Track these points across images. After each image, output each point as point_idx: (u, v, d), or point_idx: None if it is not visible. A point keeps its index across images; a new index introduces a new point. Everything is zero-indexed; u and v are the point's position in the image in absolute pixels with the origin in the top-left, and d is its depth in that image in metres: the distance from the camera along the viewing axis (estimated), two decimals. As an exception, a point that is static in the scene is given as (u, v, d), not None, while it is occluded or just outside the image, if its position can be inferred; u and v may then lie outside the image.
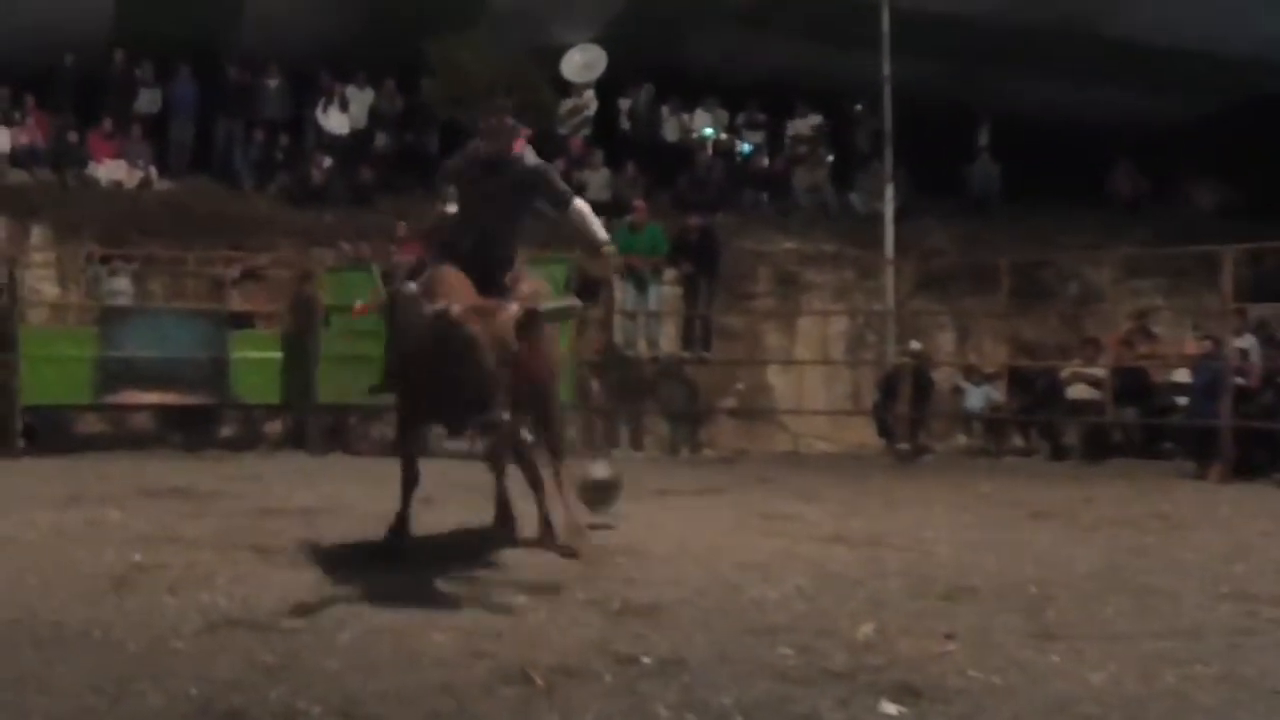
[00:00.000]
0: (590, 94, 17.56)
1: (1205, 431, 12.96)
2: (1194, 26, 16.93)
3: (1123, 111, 18.64)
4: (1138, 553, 8.34)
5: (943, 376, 15.52)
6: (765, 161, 18.18)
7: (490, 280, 6.74)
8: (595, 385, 14.84)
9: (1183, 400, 13.63)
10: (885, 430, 14.76)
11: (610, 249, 7.46)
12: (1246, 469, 12.43)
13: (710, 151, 17.85)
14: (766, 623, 6.16)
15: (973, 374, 15.37)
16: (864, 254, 16.02)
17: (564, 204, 7.10)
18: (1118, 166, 19.44)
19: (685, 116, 18.16)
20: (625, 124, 18.26)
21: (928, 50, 15.94)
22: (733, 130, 18.18)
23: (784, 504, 10.32)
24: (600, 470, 8.85)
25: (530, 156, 7.04)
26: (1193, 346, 14.35)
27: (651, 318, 15.07)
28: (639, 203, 15.24)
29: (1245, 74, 18.07)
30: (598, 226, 7.20)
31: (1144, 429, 14.09)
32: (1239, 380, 12.88)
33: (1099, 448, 14.08)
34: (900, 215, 15.52)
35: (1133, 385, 13.96)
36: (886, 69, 14.89)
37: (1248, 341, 13.47)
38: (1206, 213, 18.45)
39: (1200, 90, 18.36)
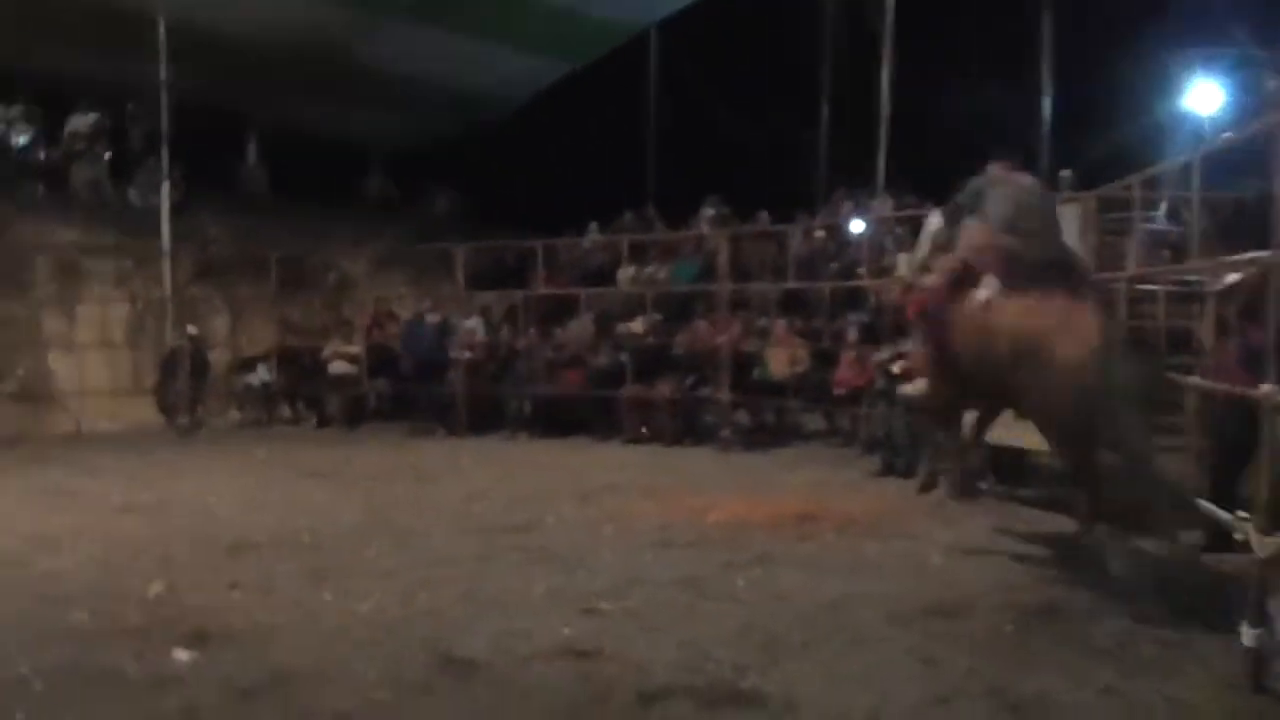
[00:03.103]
0: None
1: (446, 397, 13.79)
2: (436, 62, 17.89)
3: (376, 128, 19.27)
4: (395, 501, 8.76)
5: (218, 356, 15.22)
6: (42, 155, 16.72)
7: None
8: None
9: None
10: (166, 407, 14.22)
11: None
12: (478, 427, 13.40)
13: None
14: (60, 592, 5.83)
15: (243, 366, 15.22)
16: (142, 244, 15.26)
17: None
18: (371, 174, 20.04)
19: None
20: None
21: (201, 61, 15.50)
22: (7, 122, 16.52)
23: (71, 481, 9.70)
24: None
25: None
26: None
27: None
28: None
29: (474, 104, 19.41)
30: None
31: (393, 397, 14.67)
32: (468, 354, 13.81)
33: (357, 415, 14.50)
34: (177, 209, 14.99)
35: (383, 360, 14.50)
36: (164, 74, 14.32)
37: (474, 322, 14.46)
38: (443, 216, 19.53)
39: (438, 114, 19.43)
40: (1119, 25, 15.53)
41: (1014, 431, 8.13)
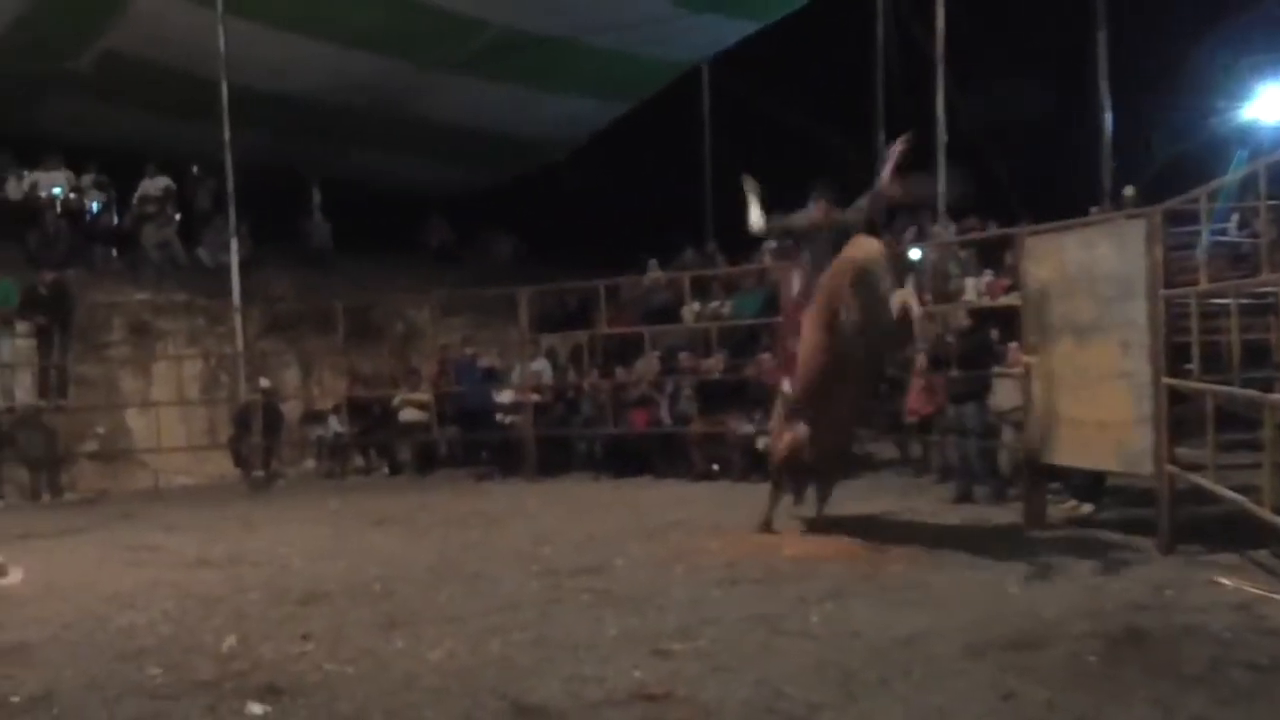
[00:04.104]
0: None
1: (513, 441, 13.81)
2: (491, 111, 18.13)
3: (434, 177, 19.50)
4: (465, 546, 8.76)
5: (290, 409, 15.40)
6: (114, 219, 17.14)
7: None
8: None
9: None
10: (241, 460, 14.39)
11: None
12: (546, 469, 13.39)
13: (59, 210, 16.55)
14: (135, 647, 5.87)
15: (315, 417, 15.38)
16: (213, 302, 15.55)
17: None
18: (430, 223, 20.24)
19: (29, 175, 16.70)
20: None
21: (261, 122, 15.83)
22: (80, 190, 16.96)
23: (148, 536, 9.82)
24: None
25: None
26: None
27: (5, 369, 13.71)
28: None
29: (530, 149, 19.60)
30: None
31: (465, 443, 14.72)
32: (535, 397, 13.84)
33: (428, 462, 14.57)
34: (245, 267, 15.23)
35: (452, 406, 14.57)
36: (227, 135, 14.60)
37: (540, 365, 14.49)
38: (504, 260, 19.66)
39: (495, 161, 19.64)
40: (1179, 35, 15.30)
41: (1090, 454, 7.96)
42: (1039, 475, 8.60)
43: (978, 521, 8.83)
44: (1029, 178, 16.26)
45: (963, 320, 10.61)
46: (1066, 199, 12.38)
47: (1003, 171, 16.41)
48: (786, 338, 8.84)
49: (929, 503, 9.89)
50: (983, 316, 10.29)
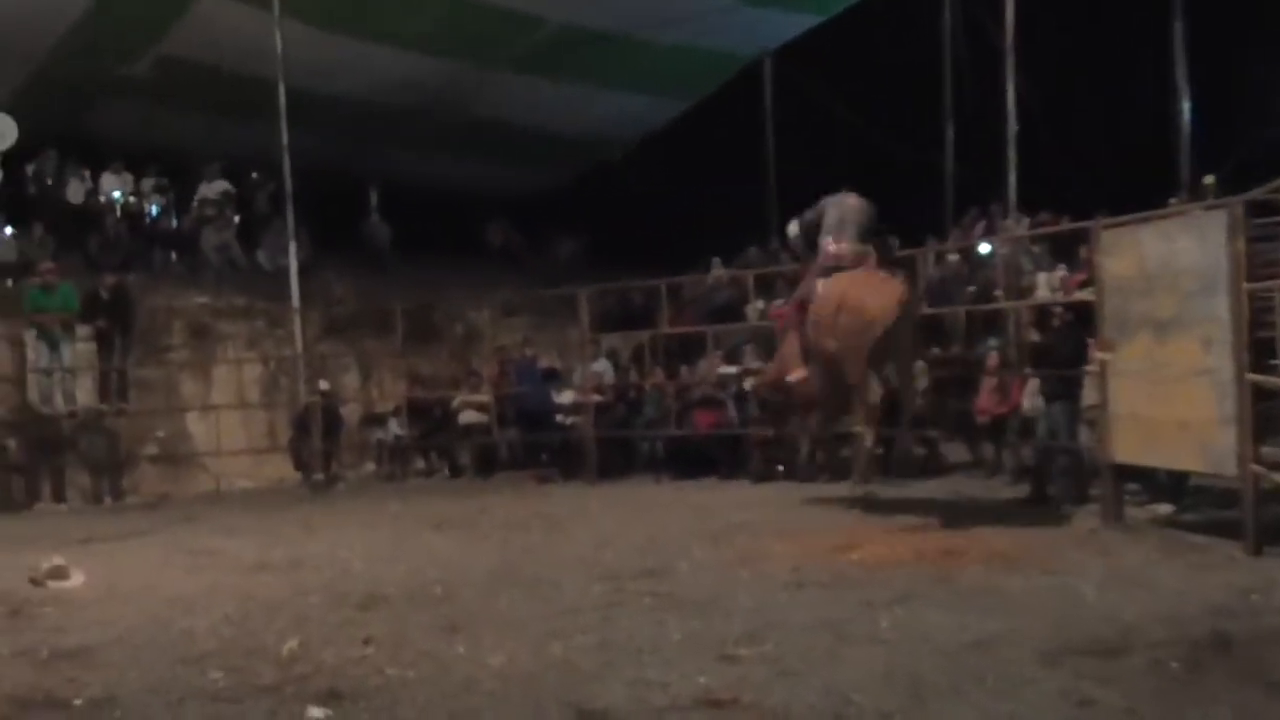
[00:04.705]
0: None
1: (574, 443, 13.84)
2: (550, 110, 18.20)
3: (494, 178, 19.60)
4: (526, 549, 8.78)
5: (350, 411, 15.55)
6: (174, 223, 17.43)
7: None
8: (12, 443, 13.59)
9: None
10: (301, 463, 14.55)
11: None
12: (607, 471, 13.40)
13: (119, 213, 16.87)
14: (196, 651, 5.95)
15: (375, 420, 15.52)
16: (272, 305, 15.75)
17: None
18: (490, 224, 20.34)
19: (90, 180, 17.05)
20: (31, 188, 16.88)
21: (319, 124, 16.01)
22: (140, 194, 17.26)
23: (209, 540, 9.94)
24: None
25: None
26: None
27: (66, 374, 13.98)
28: (48, 264, 14.09)
29: (590, 148, 19.64)
30: None
31: (525, 445, 14.77)
32: (596, 397, 13.85)
33: (489, 464, 14.63)
34: (304, 269, 15.40)
35: (512, 408, 14.62)
36: (285, 138, 14.75)
37: (602, 365, 14.50)
38: (564, 261, 19.71)
39: (555, 161, 19.71)
40: (1257, 18, 14.99)
41: (1171, 453, 7.82)
42: (1117, 475, 8.46)
43: (1053, 523, 8.70)
44: (1103, 169, 16.02)
45: (1056, 316, 10.42)
46: (1143, 190, 12.16)
47: (1075, 163, 16.18)
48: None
49: (1002, 504, 9.76)
50: (1076, 313, 10.11)
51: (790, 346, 9.82)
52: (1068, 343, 9.93)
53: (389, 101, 17.11)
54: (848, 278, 9.17)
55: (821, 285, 9.29)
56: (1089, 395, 9.21)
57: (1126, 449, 8.28)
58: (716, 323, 14.55)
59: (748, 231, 17.70)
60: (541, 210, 20.04)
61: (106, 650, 6.03)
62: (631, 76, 18.06)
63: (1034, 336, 10.65)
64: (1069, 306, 10.39)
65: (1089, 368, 9.38)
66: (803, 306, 9.60)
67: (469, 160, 18.98)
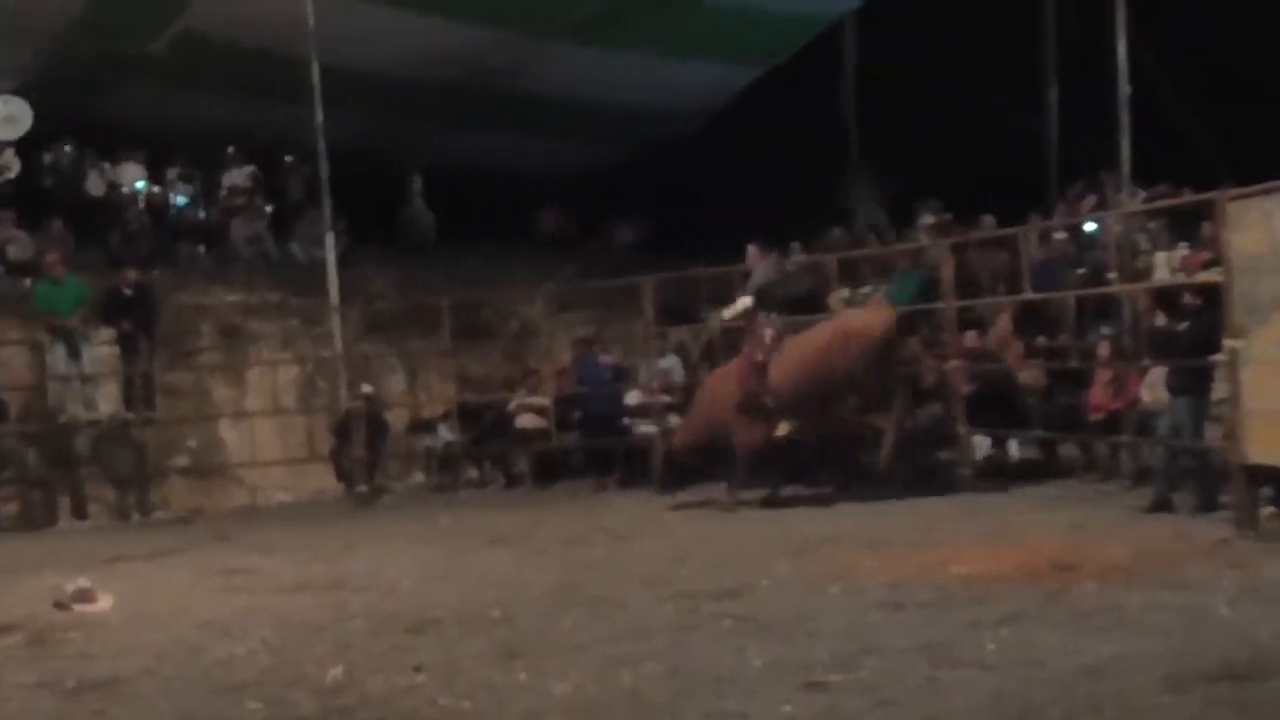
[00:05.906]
0: (11, 153, 16.37)
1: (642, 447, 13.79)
2: (605, 82, 18.15)
3: (546, 159, 19.60)
4: (589, 566, 8.79)
5: (396, 417, 15.63)
6: (201, 214, 17.63)
7: None
8: (32, 455, 13.84)
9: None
10: (343, 474, 14.65)
11: None
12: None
13: (141, 205, 17.08)
14: (232, 680, 6.01)
15: (423, 426, 15.59)
16: (308, 302, 15.86)
17: None
18: (543, 209, 20.36)
19: (110, 169, 17.26)
20: (48, 180, 17.13)
21: (356, 103, 16.09)
22: (164, 183, 17.46)
23: (244, 559, 10.07)
24: None
25: None
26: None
27: (87, 380, 14.21)
28: (51, 256, 14.29)
29: (652, 124, 19.57)
30: None
31: (588, 451, 14.76)
32: (665, 398, 13.82)
33: (549, 472, 14.65)
34: (342, 262, 15.47)
35: (577, 411, 14.62)
36: (319, 119, 14.83)
37: (670, 361, 14.47)
38: (625, 248, 19.67)
39: (613, 138, 19.66)
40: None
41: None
42: (1250, 478, 8.31)
43: (1179, 533, 8.56)
44: (1229, 135, 15.72)
45: (1188, 300, 10.22)
46: (1274, 157, 11.91)
47: (1198, 129, 15.91)
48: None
49: (1120, 512, 9.63)
50: (1209, 296, 9.92)
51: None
52: (1201, 329, 9.74)
53: (431, 77, 17.15)
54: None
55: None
56: (1220, 389, 9.05)
57: (1261, 448, 8.12)
58: (796, 313, 14.45)
59: (828, 213, 17.58)
60: (600, 193, 19.99)
61: (136, 680, 6.12)
62: (696, 43, 17.93)
63: (1159, 321, 10.43)
64: (1196, 289, 10.21)
65: (1218, 357, 9.21)
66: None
67: (519, 140, 18.96)
